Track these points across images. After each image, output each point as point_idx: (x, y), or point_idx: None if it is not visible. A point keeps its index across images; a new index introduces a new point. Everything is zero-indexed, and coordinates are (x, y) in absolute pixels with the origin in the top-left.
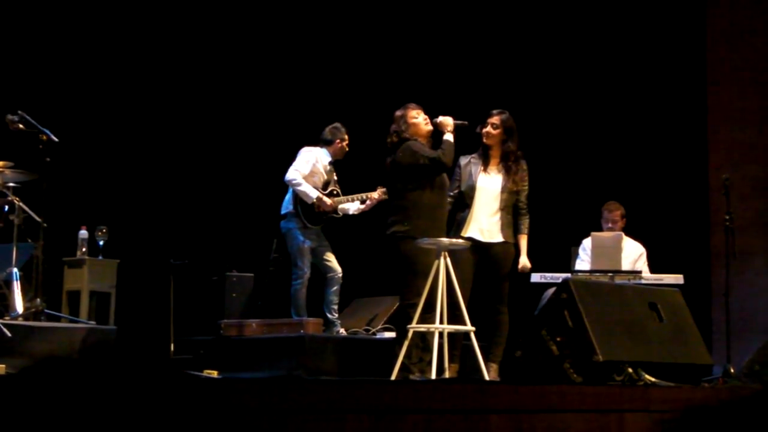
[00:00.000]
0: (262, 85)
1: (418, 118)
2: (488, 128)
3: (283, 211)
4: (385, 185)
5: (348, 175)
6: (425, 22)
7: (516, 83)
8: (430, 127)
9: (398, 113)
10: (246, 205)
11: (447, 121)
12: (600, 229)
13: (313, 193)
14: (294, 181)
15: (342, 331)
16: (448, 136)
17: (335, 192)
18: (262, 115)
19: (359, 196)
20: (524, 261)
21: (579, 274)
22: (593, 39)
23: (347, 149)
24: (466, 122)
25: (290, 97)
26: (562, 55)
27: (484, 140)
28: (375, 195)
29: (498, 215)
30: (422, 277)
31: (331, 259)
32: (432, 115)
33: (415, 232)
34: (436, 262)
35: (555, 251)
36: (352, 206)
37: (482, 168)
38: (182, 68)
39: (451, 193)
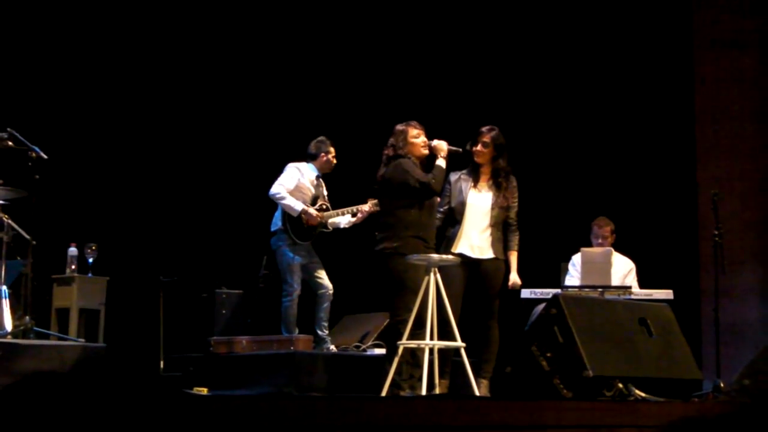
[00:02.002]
0: (251, 100)
1: (418, 140)
2: (479, 146)
3: (272, 228)
4: (376, 198)
5: (339, 188)
6: (415, 36)
7: (504, 99)
8: (426, 152)
9: (400, 128)
10: (235, 222)
11: (441, 146)
12: (589, 245)
13: (298, 206)
14: (278, 195)
15: (332, 347)
16: (441, 162)
17: (324, 206)
18: (251, 131)
19: (350, 209)
20: (514, 278)
21: (569, 289)
22: (581, 54)
23: (334, 162)
24: (460, 149)
25: (280, 112)
26: (552, 72)
27: (475, 158)
28: (366, 207)
29: (488, 231)
30: (412, 294)
31: (322, 276)
32: (429, 136)
33: (404, 248)
34: (426, 278)
35: (545, 267)
36: (343, 220)
37: (472, 184)
38: (171, 85)
39: (441, 210)
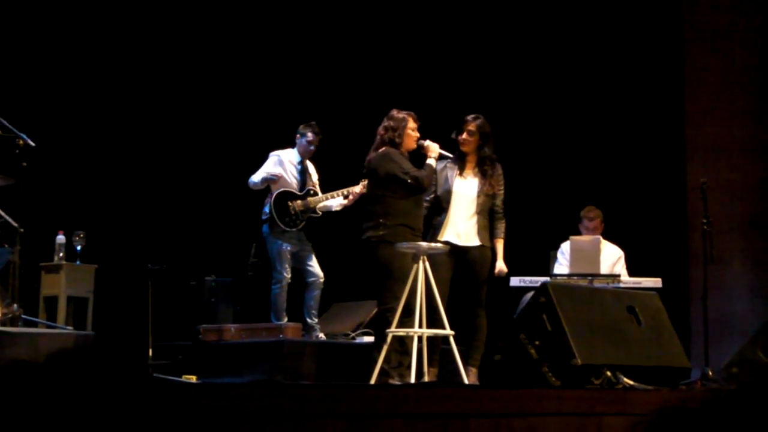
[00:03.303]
0: (240, 87)
1: (413, 134)
2: (464, 135)
3: (262, 217)
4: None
5: (330, 170)
6: (406, 22)
7: (492, 86)
8: (415, 146)
9: (399, 115)
10: (225, 210)
11: (433, 147)
12: (578, 234)
13: (260, 175)
14: (250, 182)
15: (321, 335)
16: (431, 161)
17: (312, 191)
18: (242, 119)
19: (341, 191)
20: (500, 265)
21: (558, 278)
22: (570, 42)
23: (312, 147)
24: (451, 155)
25: (270, 98)
26: (539, 59)
27: (461, 147)
28: (357, 189)
29: (474, 219)
30: (400, 282)
31: (313, 264)
32: (420, 130)
33: (391, 236)
34: (415, 266)
35: (534, 255)
36: (335, 203)
37: (458, 172)
38: (159, 72)
39: (427, 198)
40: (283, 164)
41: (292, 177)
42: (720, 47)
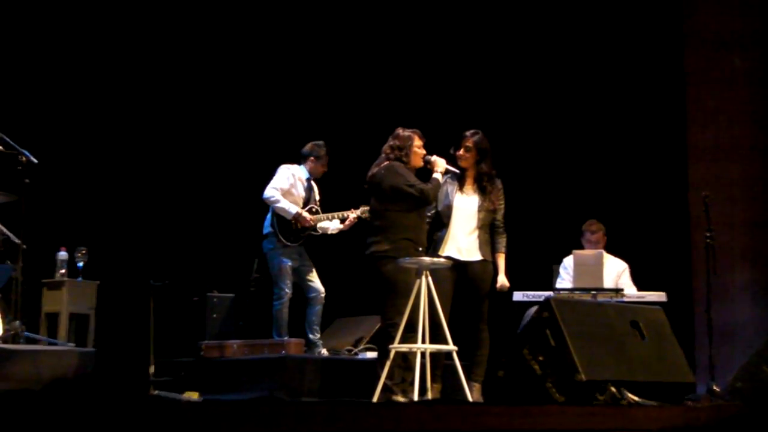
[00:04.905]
0: (243, 102)
1: (419, 152)
2: (461, 151)
3: (264, 231)
4: (364, 201)
5: (330, 192)
6: (405, 40)
7: (493, 97)
8: (421, 164)
9: (405, 133)
10: (227, 225)
11: (440, 162)
12: (581, 248)
13: (293, 209)
14: (272, 199)
15: (324, 351)
16: (437, 175)
17: (314, 210)
18: (243, 133)
19: (338, 214)
20: (502, 280)
21: (561, 292)
22: (572, 55)
23: (323, 168)
24: (457, 171)
25: (272, 115)
26: (542, 72)
27: (459, 162)
28: (353, 214)
29: (475, 234)
30: (403, 297)
31: (314, 279)
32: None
33: (395, 251)
34: (418, 281)
35: (536, 269)
36: (331, 225)
37: (458, 188)
38: (163, 87)
39: (429, 214)
40: (294, 180)
41: (299, 194)
42: (721, 51)
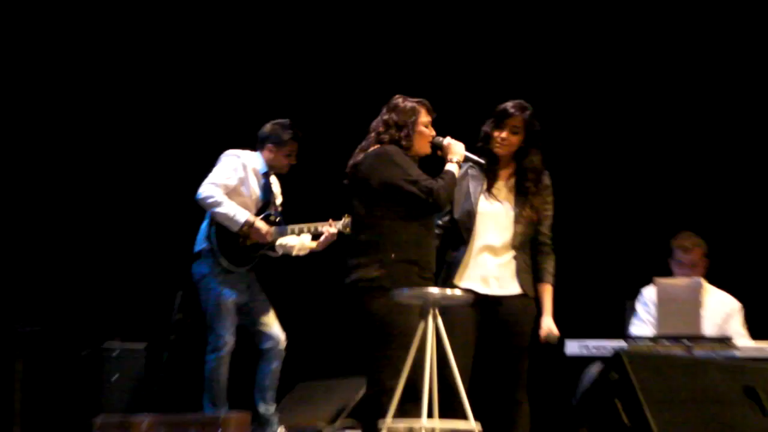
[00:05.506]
0: (160, 63)
1: (426, 132)
2: (506, 132)
3: (196, 248)
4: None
5: (300, 195)
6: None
7: (530, 65)
8: (428, 150)
9: (407, 105)
10: (136, 239)
11: (457, 148)
12: (669, 274)
13: (241, 216)
14: (209, 200)
15: (282, 430)
16: (452, 167)
17: (274, 219)
18: (164, 111)
19: (310, 226)
20: (549, 324)
21: (638, 341)
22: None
23: (292, 158)
24: (482, 161)
25: (211, 79)
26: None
27: (497, 149)
28: (332, 228)
29: (510, 255)
30: (400, 348)
31: (270, 322)
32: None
33: (389, 279)
34: (422, 324)
35: (600, 307)
36: (298, 242)
37: (485, 186)
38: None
39: (440, 222)
40: (245, 172)
41: (251, 194)
42: None
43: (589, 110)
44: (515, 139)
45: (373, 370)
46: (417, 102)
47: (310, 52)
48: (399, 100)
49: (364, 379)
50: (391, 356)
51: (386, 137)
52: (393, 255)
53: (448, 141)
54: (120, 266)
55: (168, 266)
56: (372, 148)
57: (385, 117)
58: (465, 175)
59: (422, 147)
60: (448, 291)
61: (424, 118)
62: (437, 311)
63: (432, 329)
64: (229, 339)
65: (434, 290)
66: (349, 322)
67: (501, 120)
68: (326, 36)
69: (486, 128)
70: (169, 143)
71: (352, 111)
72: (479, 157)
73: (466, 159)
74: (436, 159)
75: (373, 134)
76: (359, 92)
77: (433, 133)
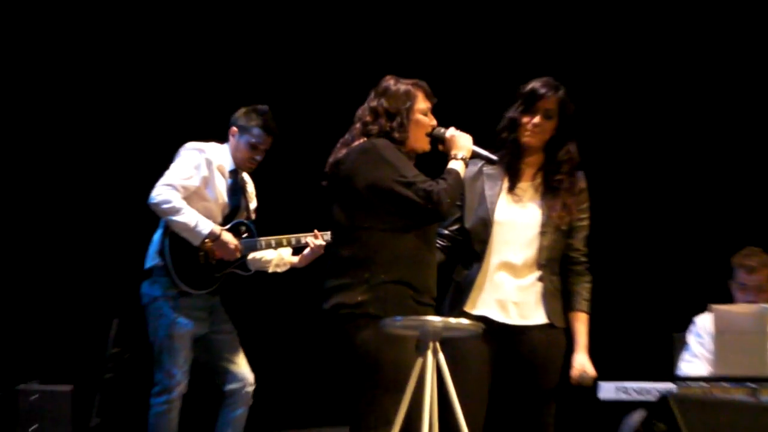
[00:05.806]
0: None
1: (424, 121)
2: (538, 117)
3: (146, 265)
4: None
5: (279, 199)
6: None
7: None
8: (427, 146)
9: (400, 88)
10: (59, 254)
11: (462, 142)
12: (728, 300)
13: (205, 226)
14: (165, 205)
15: None
16: (457, 165)
17: (244, 229)
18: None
19: (290, 239)
20: (582, 362)
21: (689, 383)
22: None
23: (260, 151)
24: (495, 158)
25: (170, 58)
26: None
27: (527, 138)
28: (318, 240)
29: (534, 276)
30: (393, 390)
31: (235, 359)
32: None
33: (378, 305)
34: (420, 360)
35: (643, 342)
36: (274, 255)
37: (507, 186)
38: None
39: (446, 232)
40: (209, 171)
41: (217, 197)
42: None
43: (630, 101)
44: (549, 125)
45: (358, 417)
46: (412, 84)
47: (288, 29)
48: (390, 82)
49: (347, 430)
50: (380, 401)
51: (375, 128)
52: (382, 275)
53: (451, 133)
54: (38, 288)
55: (101, 287)
56: (357, 142)
57: (374, 103)
58: (479, 173)
59: (419, 140)
60: (452, 320)
61: (422, 104)
62: (438, 345)
63: (432, 367)
64: (181, 378)
65: (434, 319)
66: (330, 357)
67: (531, 103)
68: (306, 10)
69: (512, 114)
70: (109, 130)
71: (342, 96)
72: (490, 152)
73: (474, 155)
74: (437, 155)
75: (358, 125)
76: (348, 73)
77: (433, 122)
